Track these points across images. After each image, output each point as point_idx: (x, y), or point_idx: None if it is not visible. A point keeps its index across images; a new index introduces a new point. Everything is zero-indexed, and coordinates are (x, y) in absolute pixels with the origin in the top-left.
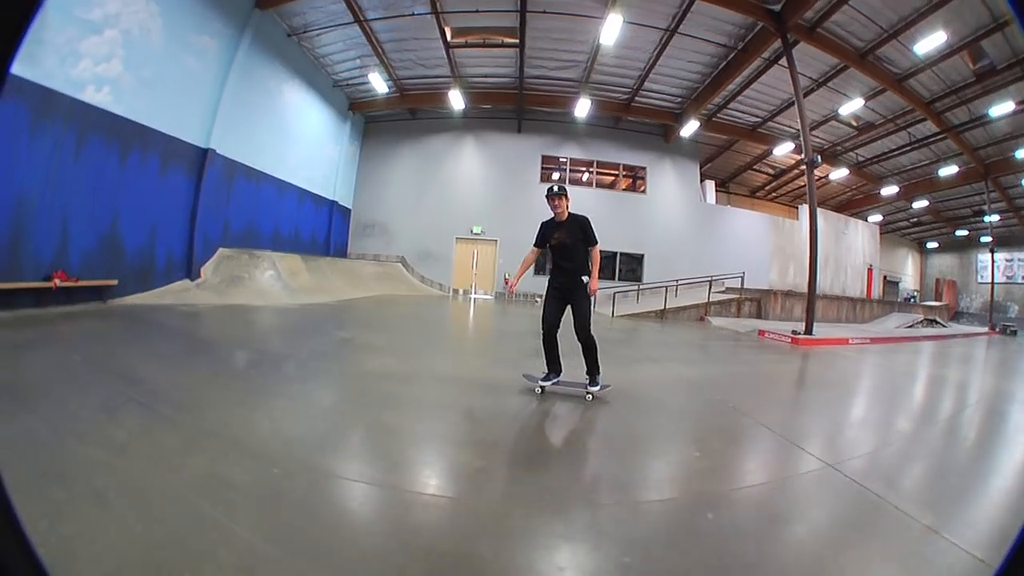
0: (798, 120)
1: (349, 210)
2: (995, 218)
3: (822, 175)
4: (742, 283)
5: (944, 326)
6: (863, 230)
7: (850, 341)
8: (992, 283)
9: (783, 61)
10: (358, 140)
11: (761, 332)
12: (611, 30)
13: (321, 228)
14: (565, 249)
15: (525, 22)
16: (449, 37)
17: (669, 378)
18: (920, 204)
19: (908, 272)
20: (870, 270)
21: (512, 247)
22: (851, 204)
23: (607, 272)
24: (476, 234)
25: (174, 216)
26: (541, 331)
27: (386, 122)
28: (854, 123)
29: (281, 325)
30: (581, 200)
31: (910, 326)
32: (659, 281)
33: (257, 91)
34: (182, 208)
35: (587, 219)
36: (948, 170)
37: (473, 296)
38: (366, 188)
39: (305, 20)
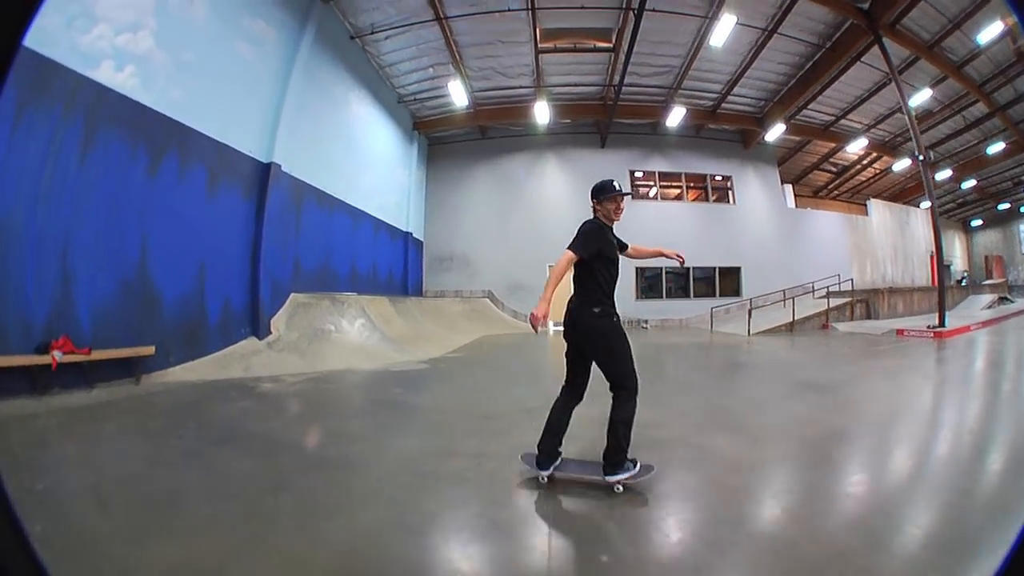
0: (870, 116)
1: (422, 242)
2: None
3: (883, 167)
4: (852, 285)
5: (1013, 301)
6: (922, 217)
7: (971, 327)
8: None
9: (865, 58)
10: (424, 164)
11: (900, 331)
12: (723, 31)
13: (398, 263)
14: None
15: (626, 22)
16: (538, 40)
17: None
18: (968, 184)
19: (957, 254)
20: (932, 257)
21: None
22: (904, 193)
23: (709, 289)
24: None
25: (229, 250)
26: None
27: (453, 143)
28: (915, 112)
29: (459, 409)
30: (674, 215)
31: (990, 307)
32: (758, 292)
33: (323, 98)
34: (239, 240)
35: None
36: (996, 147)
37: None
38: (438, 217)
39: (373, 19)
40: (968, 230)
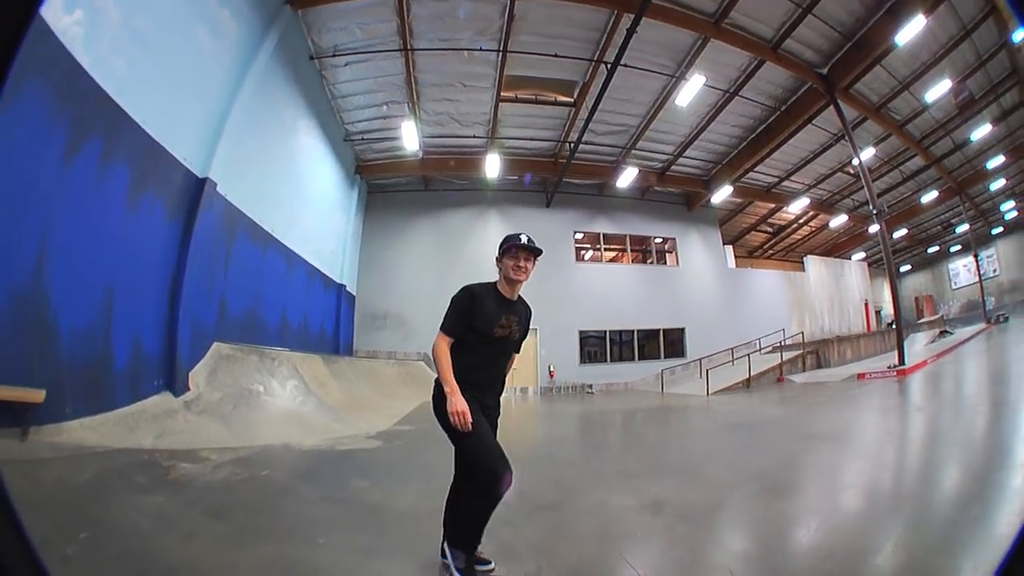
0: (803, 176)
1: (354, 297)
2: (965, 227)
3: (819, 225)
4: (803, 338)
5: (953, 333)
6: (856, 269)
7: (928, 361)
8: (980, 281)
9: (816, 121)
10: (363, 211)
11: (860, 375)
12: (690, 91)
13: (330, 317)
14: (508, 348)
15: (593, 77)
16: (501, 87)
17: None
18: (899, 233)
19: (886, 299)
20: (866, 304)
21: (554, 334)
22: (837, 247)
23: (654, 351)
24: None
25: (144, 277)
26: (490, 478)
27: (395, 192)
28: (851, 171)
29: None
30: (618, 277)
31: (933, 341)
32: (703, 352)
33: (272, 118)
34: (158, 266)
35: (531, 310)
36: (929, 196)
37: (517, 394)
38: (373, 270)
39: (337, 40)
40: (896, 276)
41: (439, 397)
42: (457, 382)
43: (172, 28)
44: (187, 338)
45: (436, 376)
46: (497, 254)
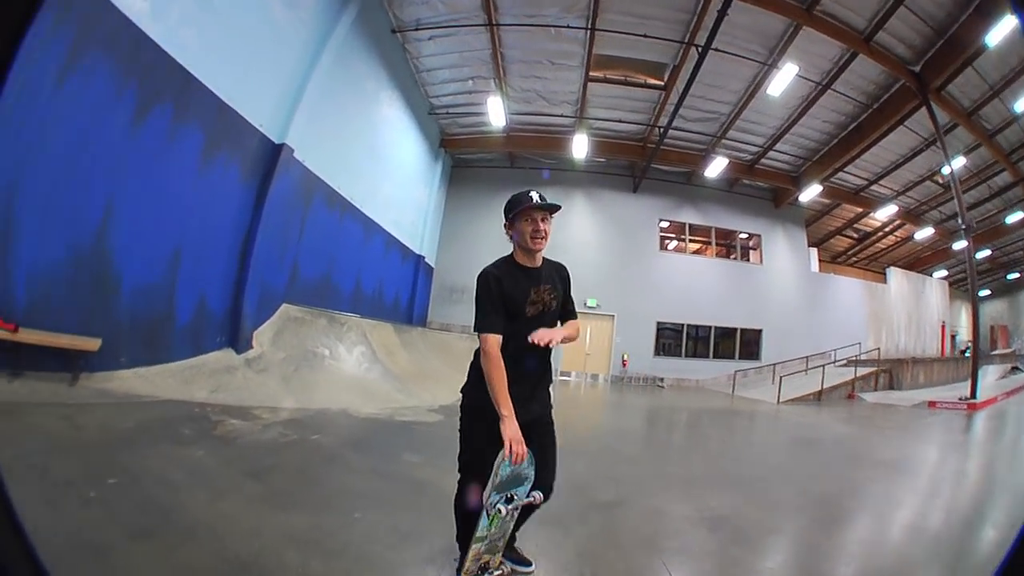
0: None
1: (432, 269)
2: None
3: (904, 236)
4: (879, 355)
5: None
6: (936, 287)
7: (998, 398)
8: None
9: (907, 123)
10: (446, 185)
11: (931, 403)
12: (782, 80)
13: (405, 288)
14: (551, 321)
15: (684, 60)
16: (590, 67)
17: None
18: (982, 254)
19: (963, 324)
20: (943, 327)
21: (631, 322)
22: (919, 263)
23: (728, 350)
24: (590, 308)
25: (215, 238)
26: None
27: (479, 167)
28: (940, 180)
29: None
30: (700, 270)
31: (1003, 376)
32: (778, 357)
33: (352, 88)
34: (229, 228)
35: (565, 267)
36: (1015, 216)
37: (587, 380)
38: (452, 245)
39: (419, 14)
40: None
41: (475, 396)
42: (477, 369)
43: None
44: (254, 298)
45: (472, 362)
46: (505, 221)
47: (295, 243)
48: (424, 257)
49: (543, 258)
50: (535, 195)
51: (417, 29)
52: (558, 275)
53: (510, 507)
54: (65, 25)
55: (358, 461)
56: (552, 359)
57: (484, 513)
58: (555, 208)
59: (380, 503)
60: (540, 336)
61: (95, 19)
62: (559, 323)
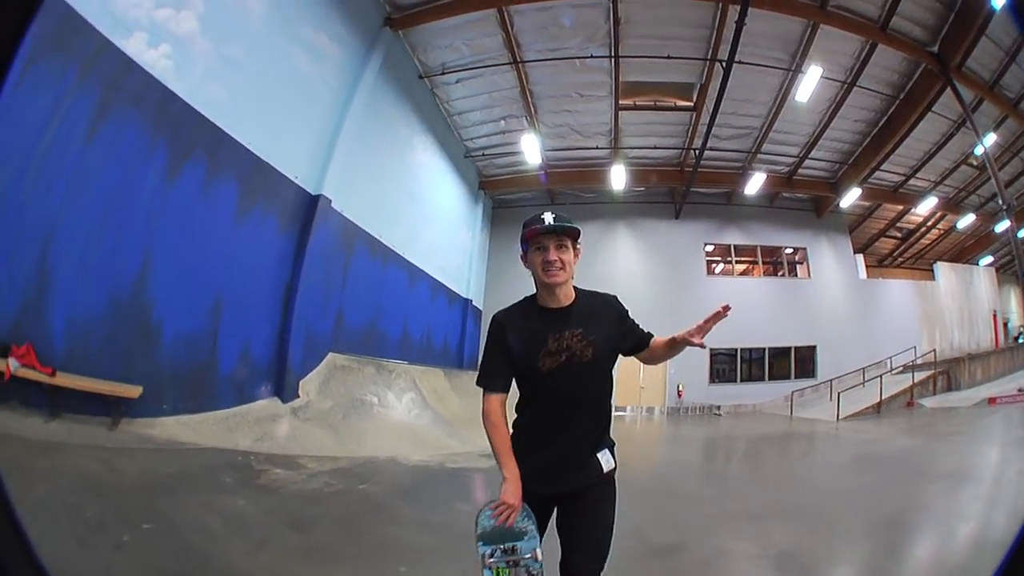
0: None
1: (481, 312)
2: None
3: (946, 227)
4: (935, 357)
5: None
6: (984, 275)
7: None
8: None
9: (936, 108)
10: (488, 227)
11: (992, 400)
12: (808, 84)
13: (454, 332)
14: (581, 377)
15: (710, 78)
16: (619, 95)
17: None
18: None
19: (1014, 309)
20: (994, 315)
21: (685, 353)
22: (964, 253)
23: (783, 370)
24: None
25: (257, 287)
26: None
27: (520, 207)
28: (974, 162)
29: None
30: (749, 292)
31: None
32: (835, 372)
33: (385, 134)
34: (271, 278)
35: (616, 298)
36: None
37: (643, 414)
38: (499, 286)
39: (444, 58)
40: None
41: (600, 469)
42: (523, 454)
43: (267, 54)
44: (299, 347)
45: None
46: (520, 252)
47: (338, 292)
48: (471, 300)
49: (578, 292)
50: (547, 216)
51: (443, 73)
52: (604, 312)
53: (519, 568)
54: (90, 81)
55: (406, 511)
56: (608, 409)
57: (486, 570)
58: (569, 231)
59: (426, 556)
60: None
61: (120, 76)
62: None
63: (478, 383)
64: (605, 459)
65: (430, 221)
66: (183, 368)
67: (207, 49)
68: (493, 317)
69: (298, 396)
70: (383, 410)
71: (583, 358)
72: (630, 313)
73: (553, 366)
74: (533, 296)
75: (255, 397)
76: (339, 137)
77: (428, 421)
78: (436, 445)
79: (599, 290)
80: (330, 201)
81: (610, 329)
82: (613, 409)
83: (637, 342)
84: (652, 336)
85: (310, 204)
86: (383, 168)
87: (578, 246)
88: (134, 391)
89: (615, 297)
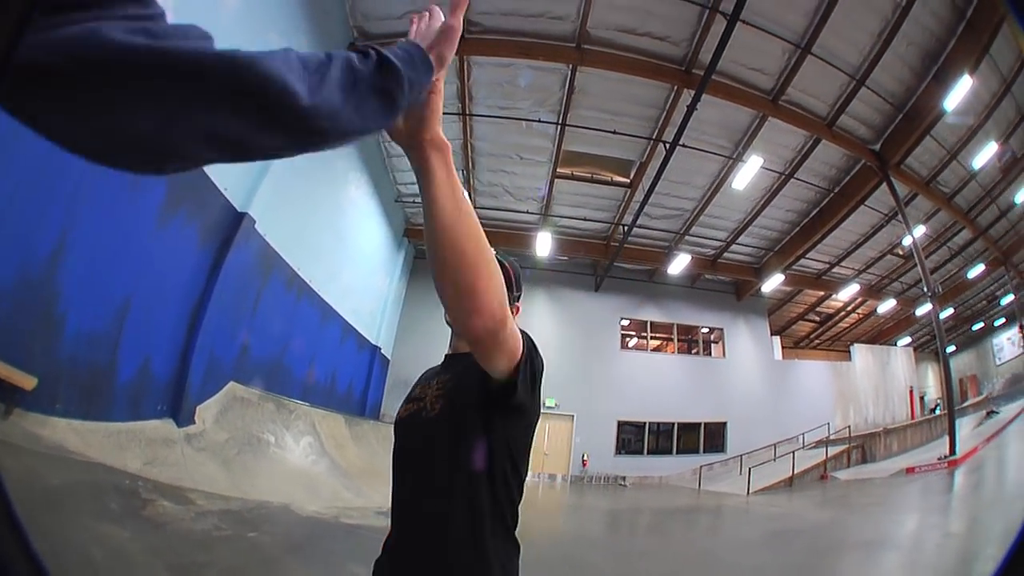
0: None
1: (388, 360)
2: (1010, 297)
3: (866, 312)
4: (849, 433)
5: (999, 412)
6: (901, 355)
7: (978, 447)
8: None
9: (868, 202)
10: (407, 276)
11: (909, 469)
12: (747, 173)
13: (359, 378)
14: (423, 433)
15: (651, 157)
16: (558, 163)
17: None
18: (946, 313)
19: (931, 383)
20: (911, 391)
21: (591, 422)
22: (882, 335)
23: (692, 444)
24: (549, 408)
25: (166, 298)
26: None
27: None
28: (900, 252)
29: None
30: (663, 368)
31: (980, 424)
32: (744, 448)
33: (322, 166)
34: (181, 292)
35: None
36: (976, 270)
37: (545, 480)
38: (411, 337)
39: None
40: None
41: None
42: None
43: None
44: (201, 370)
45: None
46: None
47: (248, 318)
48: (380, 348)
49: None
50: None
51: None
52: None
53: None
54: None
55: (297, 569)
56: (478, 517)
57: None
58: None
59: None
60: None
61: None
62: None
63: None
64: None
65: (351, 261)
66: (81, 368)
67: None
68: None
69: (194, 422)
70: (279, 451)
71: (429, 411)
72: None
73: (402, 415)
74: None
75: (149, 415)
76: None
77: (325, 469)
78: (332, 496)
79: None
80: (254, 221)
81: (475, 375)
82: (507, 518)
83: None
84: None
85: (234, 221)
86: (313, 197)
87: (516, 302)
88: (29, 381)
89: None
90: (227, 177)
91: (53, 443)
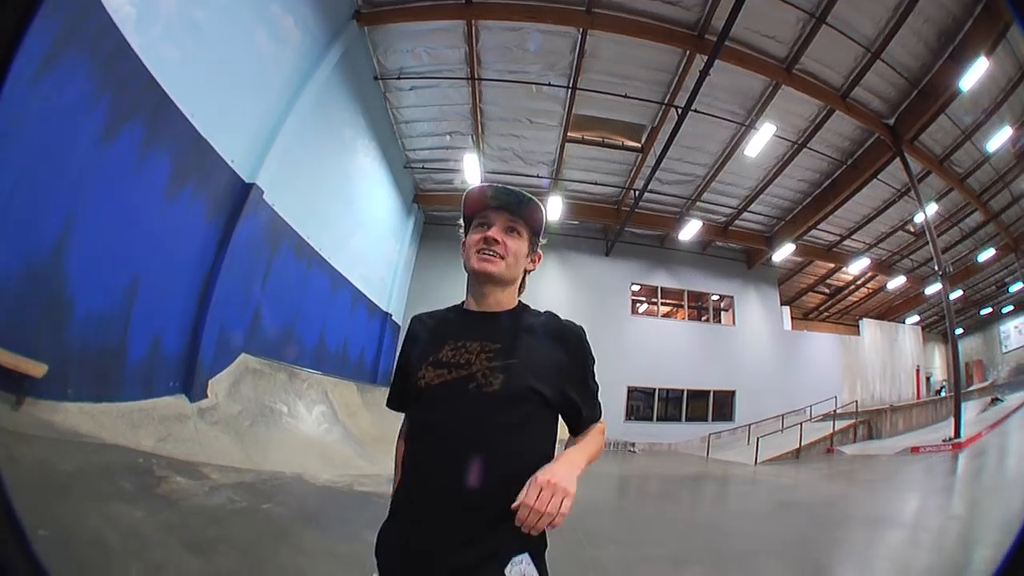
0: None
1: (399, 327)
2: (1019, 285)
3: (876, 287)
4: (857, 407)
5: (1004, 400)
6: (910, 333)
7: (983, 433)
8: None
9: (881, 176)
10: (417, 242)
11: (914, 448)
12: (760, 141)
13: (371, 345)
14: (474, 408)
15: (663, 122)
16: (568, 127)
17: None
18: (955, 295)
19: (936, 365)
20: (917, 370)
21: (602, 388)
22: (891, 311)
23: (701, 412)
24: None
25: (176, 274)
26: None
27: (451, 225)
28: (912, 230)
29: None
30: (673, 334)
31: (985, 410)
32: (752, 417)
33: (329, 133)
34: (190, 266)
35: (583, 332)
36: (986, 254)
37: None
38: (420, 304)
39: (403, 62)
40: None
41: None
42: (389, 518)
43: (231, 25)
44: (212, 343)
45: None
46: (461, 237)
47: (258, 290)
48: (391, 315)
49: (522, 305)
50: (492, 192)
51: (400, 78)
52: (551, 340)
53: None
54: (50, 19)
55: (312, 539)
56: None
57: None
58: (527, 212)
59: None
60: (520, 517)
61: (80, 18)
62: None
63: (387, 402)
64: (519, 572)
65: (360, 228)
66: (91, 351)
67: (173, 5)
68: (412, 318)
69: (206, 396)
70: (292, 421)
71: (484, 385)
72: (595, 368)
73: (434, 381)
74: (461, 304)
75: (162, 392)
76: (283, 126)
77: (338, 437)
78: (345, 464)
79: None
80: (262, 192)
81: (551, 366)
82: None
83: (570, 407)
84: (597, 421)
85: (242, 192)
86: (321, 166)
87: (538, 248)
88: (39, 369)
89: (582, 330)
90: (234, 149)
91: (66, 429)
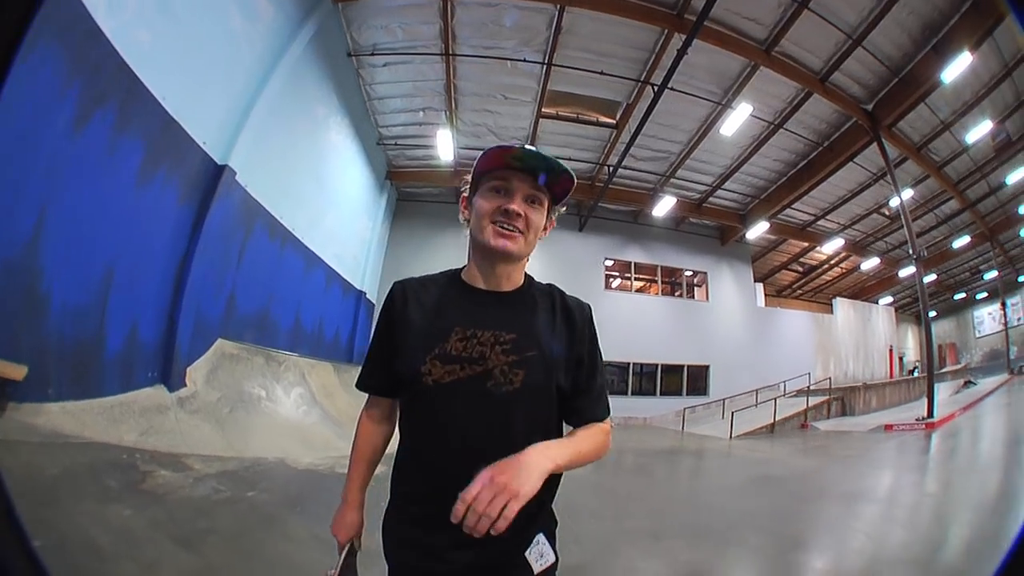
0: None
1: (374, 305)
2: (993, 274)
3: (851, 267)
4: (830, 383)
5: (977, 383)
6: (883, 313)
7: (955, 414)
8: (1006, 329)
9: (857, 159)
10: (390, 219)
11: (888, 426)
12: (736, 120)
13: (345, 324)
14: (493, 409)
15: (638, 99)
16: (543, 103)
17: None
18: (929, 279)
19: (909, 346)
20: (891, 350)
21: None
22: (865, 291)
23: (675, 386)
24: None
25: (150, 261)
26: None
27: (424, 203)
28: (887, 213)
29: None
30: (647, 309)
31: (958, 392)
32: (726, 392)
33: (302, 112)
34: (164, 252)
35: (591, 310)
36: (961, 241)
37: None
38: (393, 281)
39: (377, 38)
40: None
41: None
42: (396, 524)
43: (203, 5)
44: (189, 330)
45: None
46: (463, 196)
47: (233, 272)
48: (365, 293)
49: (530, 281)
50: (518, 148)
51: (373, 54)
52: (565, 321)
53: None
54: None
55: (297, 526)
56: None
57: None
58: (559, 180)
59: None
60: (457, 512)
61: (54, 4)
62: (552, 426)
63: (357, 384)
64: (538, 553)
65: (333, 206)
66: (69, 346)
67: None
68: (393, 285)
69: (185, 385)
70: (271, 405)
71: (503, 384)
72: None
73: (444, 379)
74: (459, 270)
75: (141, 383)
76: (255, 106)
77: (316, 419)
78: (325, 446)
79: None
80: (235, 173)
81: (565, 353)
82: None
83: (575, 399)
84: (601, 420)
85: (214, 174)
86: (294, 145)
87: (553, 216)
88: (19, 372)
89: (589, 308)
90: (206, 131)
91: (49, 431)
